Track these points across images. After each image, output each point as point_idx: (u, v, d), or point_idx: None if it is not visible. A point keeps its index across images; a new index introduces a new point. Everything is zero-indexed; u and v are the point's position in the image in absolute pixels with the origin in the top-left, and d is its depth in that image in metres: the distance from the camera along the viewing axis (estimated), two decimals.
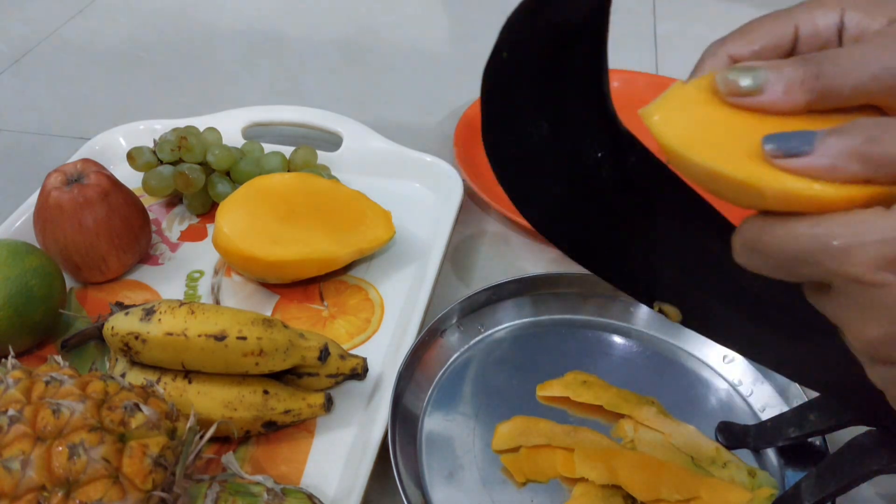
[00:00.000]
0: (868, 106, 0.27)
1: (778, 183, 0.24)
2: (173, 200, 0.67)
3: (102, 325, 0.49)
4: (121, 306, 0.50)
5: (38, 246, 0.56)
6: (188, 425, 0.39)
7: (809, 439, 0.44)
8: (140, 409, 0.37)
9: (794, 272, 0.25)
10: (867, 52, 0.26)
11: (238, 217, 0.57)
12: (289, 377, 0.49)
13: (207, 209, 0.66)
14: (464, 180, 0.65)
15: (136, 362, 0.47)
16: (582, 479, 0.44)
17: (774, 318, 0.33)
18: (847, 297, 0.24)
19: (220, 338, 0.45)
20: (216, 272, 0.60)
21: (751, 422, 0.47)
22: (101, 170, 0.58)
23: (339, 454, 0.47)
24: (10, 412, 0.35)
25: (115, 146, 0.71)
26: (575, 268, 0.36)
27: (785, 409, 0.47)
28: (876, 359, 0.25)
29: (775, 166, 0.24)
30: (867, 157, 0.23)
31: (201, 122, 0.70)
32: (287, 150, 0.68)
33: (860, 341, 0.25)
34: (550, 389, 0.49)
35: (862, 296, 0.23)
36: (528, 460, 0.45)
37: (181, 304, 0.46)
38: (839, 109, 0.26)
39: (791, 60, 0.26)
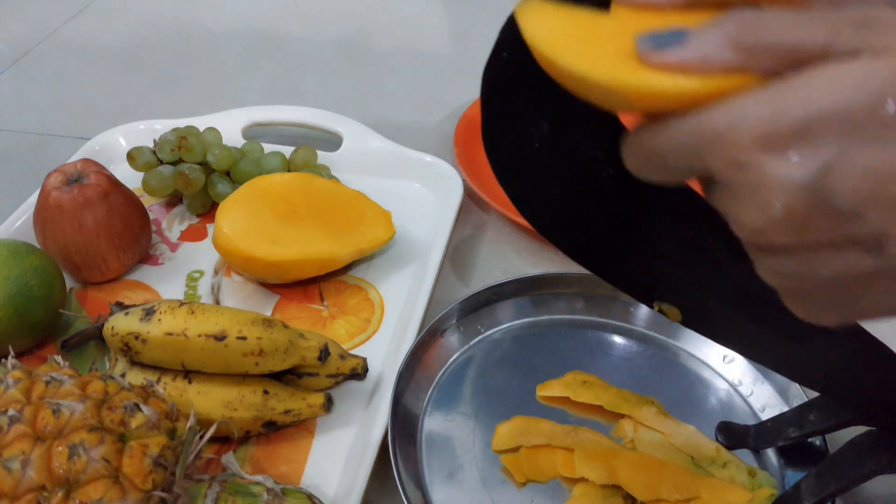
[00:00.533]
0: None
1: (643, 81, 0.23)
2: (173, 200, 0.67)
3: (102, 325, 0.49)
4: (121, 306, 0.50)
5: (38, 246, 0.56)
6: (188, 425, 0.39)
7: (809, 439, 0.44)
8: (140, 409, 0.37)
9: (680, 169, 0.24)
10: None
11: (238, 217, 0.57)
12: (289, 377, 0.49)
13: (207, 209, 0.66)
14: (464, 180, 0.65)
15: (136, 362, 0.47)
16: (582, 479, 0.44)
17: (774, 318, 0.33)
18: (729, 186, 0.23)
19: (220, 338, 0.45)
20: (216, 272, 0.60)
21: (751, 422, 0.47)
22: (101, 170, 0.58)
23: (339, 454, 0.47)
24: (10, 412, 0.35)
25: (115, 146, 0.71)
26: (575, 268, 0.36)
27: (785, 409, 0.47)
28: (760, 247, 0.24)
29: (648, 64, 0.23)
30: (740, 44, 0.22)
31: (201, 122, 0.70)
32: (287, 150, 0.68)
33: (744, 231, 0.24)
34: (550, 389, 0.49)
35: (740, 180, 0.23)
36: (528, 460, 0.45)
37: (181, 304, 0.46)
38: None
39: None
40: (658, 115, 0.24)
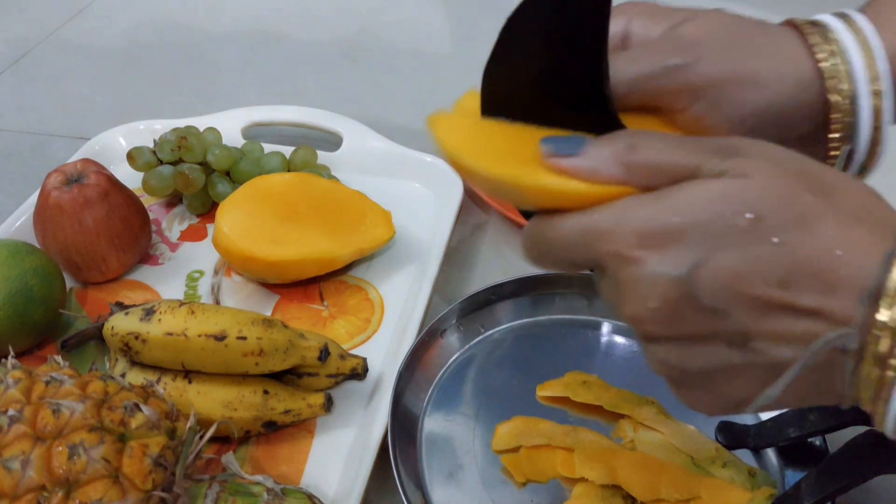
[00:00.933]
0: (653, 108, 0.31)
1: (537, 180, 0.27)
2: (173, 200, 0.67)
3: (102, 325, 0.49)
4: (121, 306, 0.50)
5: (38, 246, 0.56)
6: (188, 425, 0.39)
7: (809, 439, 0.44)
8: (140, 409, 0.37)
9: (571, 261, 0.28)
10: (635, 55, 0.31)
11: (238, 217, 0.57)
12: (289, 377, 0.49)
13: (207, 209, 0.66)
14: (464, 180, 0.65)
15: (136, 362, 0.47)
16: (582, 480, 0.44)
17: None
18: (613, 278, 0.26)
19: (220, 338, 0.45)
20: (216, 272, 0.60)
21: (751, 422, 0.47)
22: (101, 170, 0.58)
23: (339, 454, 0.47)
24: (10, 412, 0.35)
25: (115, 146, 0.71)
26: None
27: (785, 408, 0.47)
28: (641, 336, 0.27)
29: (546, 165, 0.27)
30: (626, 163, 0.26)
31: (201, 122, 0.70)
32: (287, 150, 0.68)
33: (625, 319, 0.27)
34: (550, 389, 0.49)
35: (622, 273, 0.26)
36: (528, 460, 0.45)
37: (181, 304, 0.46)
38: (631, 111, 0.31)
39: None
40: (553, 210, 0.28)
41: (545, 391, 0.49)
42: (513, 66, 0.30)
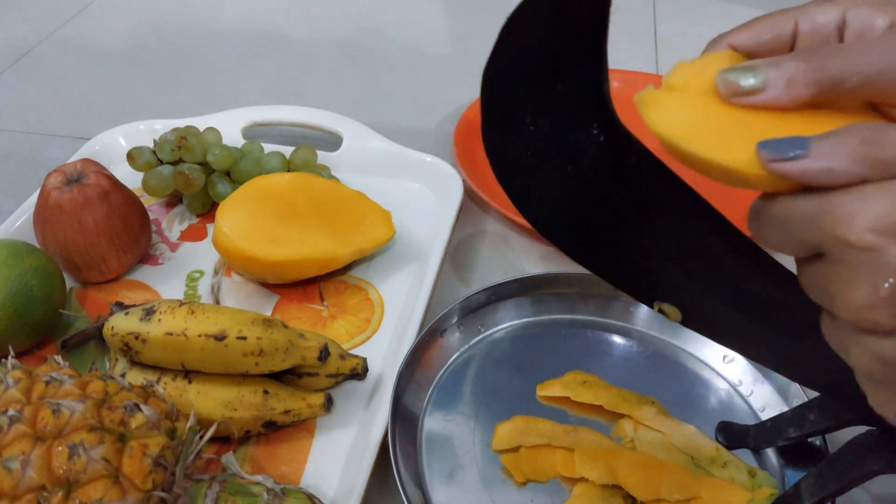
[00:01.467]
0: (868, 105, 0.27)
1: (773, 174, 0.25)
2: (173, 200, 0.67)
3: (102, 325, 0.49)
4: (121, 306, 0.50)
5: (38, 246, 0.56)
6: (188, 425, 0.39)
7: (809, 439, 0.44)
8: (140, 409, 0.37)
9: (798, 240, 0.26)
10: (872, 47, 0.27)
11: (238, 217, 0.57)
12: (289, 377, 0.49)
13: (207, 209, 0.66)
14: (464, 180, 0.65)
15: (136, 362, 0.47)
16: (582, 479, 0.44)
17: (775, 318, 0.33)
18: (839, 263, 0.25)
19: (220, 338, 0.45)
20: (216, 272, 0.60)
21: (751, 422, 0.47)
22: (101, 170, 0.58)
23: (339, 454, 0.47)
24: (10, 412, 0.35)
25: (115, 146, 0.71)
26: (575, 268, 0.36)
27: (785, 408, 0.47)
28: (863, 328, 0.25)
29: (771, 170, 0.25)
30: (866, 158, 0.24)
31: (201, 122, 0.70)
32: (287, 150, 0.68)
33: (849, 309, 0.25)
34: (550, 389, 0.49)
35: (855, 259, 0.24)
36: (528, 460, 0.45)
37: (181, 304, 0.46)
38: (838, 109, 0.27)
39: (791, 55, 0.27)
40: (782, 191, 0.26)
41: (545, 391, 0.49)
42: (513, 64, 0.30)
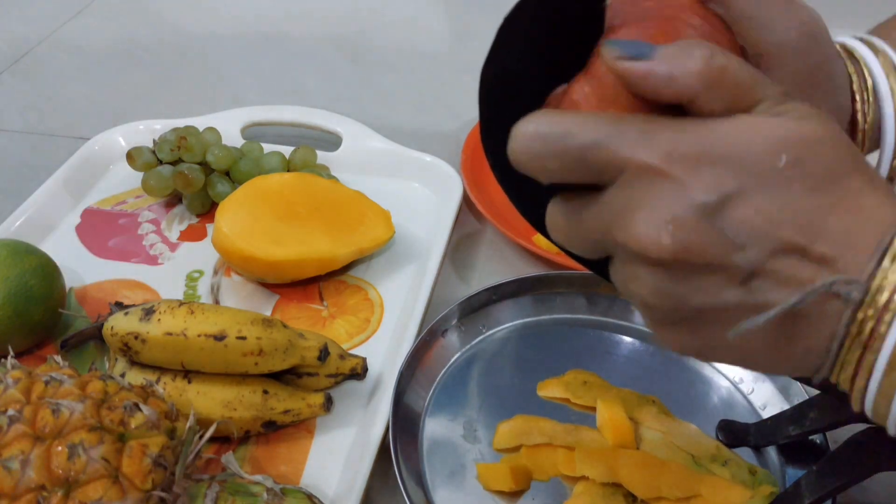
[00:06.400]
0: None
1: None
2: (173, 200, 0.67)
3: (102, 325, 0.49)
4: (120, 306, 0.50)
5: (37, 246, 0.56)
6: (188, 425, 0.39)
7: (810, 437, 0.44)
8: (140, 409, 0.37)
9: (580, 163, 0.26)
10: None
11: (238, 217, 0.57)
12: (288, 377, 0.48)
13: (207, 209, 0.66)
14: (464, 187, 0.65)
15: (135, 362, 0.47)
16: (583, 478, 0.44)
17: None
18: (631, 189, 0.25)
19: (220, 338, 0.45)
20: (216, 272, 0.60)
21: (751, 420, 0.47)
22: None
23: (338, 454, 0.47)
24: (10, 412, 0.35)
25: (115, 146, 0.71)
26: (576, 267, 0.36)
27: (785, 406, 0.47)
28: (647, 260, 0.25)
29: (617, 68, 0.25)
30: (701, 73, 0.24)
31: (201, 122, 0.69)
32: (287, 150, 0.68)
33: (636, 240, 0.25)
34: (551, 388, 0.49)
35: (647, 186, 0.24)
36: (529, 459, 0.45)
37: (181, 304, 0.46)
38: None
39: None
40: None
41: (546, 390, 0.49)
42: (510, 66, 0.30)
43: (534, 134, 0.26)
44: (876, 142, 0.35)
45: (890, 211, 0.24)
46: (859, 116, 0.34)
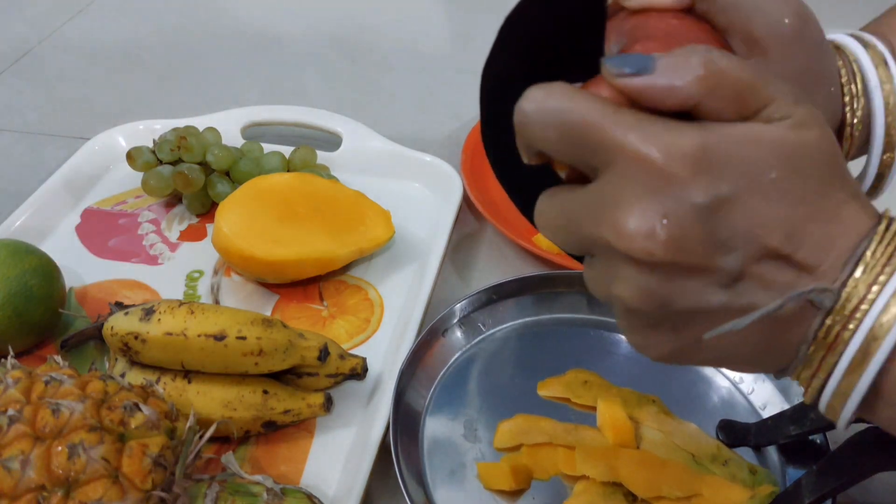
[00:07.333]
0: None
1: None
2: (173, 200, 0.67)
3: (102, 325, 0.49)
4: (120, 306, 0.50)
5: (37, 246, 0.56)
6: (188, 425, 0.39)
7: (810, 437, 0.44)
8: (140, 409, 0.37)
9: (566, 145, 0.26)
10: None
11: (238, 217, 0.57)
12: (288, 377, 0.48)
13: (207, 209, 0.66)
14: (464, 188, 0.65)
15: (135, 362, 0.47)
16: (583, 477, 0.44)
17: None
18: (620, 181, 0.25)
19: (220, 338, 0.45)
20: (216, 272, 0.60)
21: (752, 419, 0.47)
22: None
23: (338, 454, 0.47)
24: (10, 412, 0.35)
25: (115, 146, 0.71)
26: (576, 266, 0.36)
27: (786, 406, 0.47)
28: (635, 258, 0.25)
29: (617, 85, 0.25)
30: (702, 79, 0.24)
31: (201, 122, 0.70)
32: (287, 150, 0.68)
33: (626, 238, 0.24)
34: (551, 388, 0.49)
35: (640, 181, 0.24)
36: (529, 458, 0.45)
37: (181, 303, 0.46)
38: None
39: None
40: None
41: (546, 389, 0.49)
42: (511, 66, 0.30)
43: (544, 97, 0.26)
44: (863, 139, 0.35)
45: (865, 221, 0.25)
46: (847, 111, 0.34)
